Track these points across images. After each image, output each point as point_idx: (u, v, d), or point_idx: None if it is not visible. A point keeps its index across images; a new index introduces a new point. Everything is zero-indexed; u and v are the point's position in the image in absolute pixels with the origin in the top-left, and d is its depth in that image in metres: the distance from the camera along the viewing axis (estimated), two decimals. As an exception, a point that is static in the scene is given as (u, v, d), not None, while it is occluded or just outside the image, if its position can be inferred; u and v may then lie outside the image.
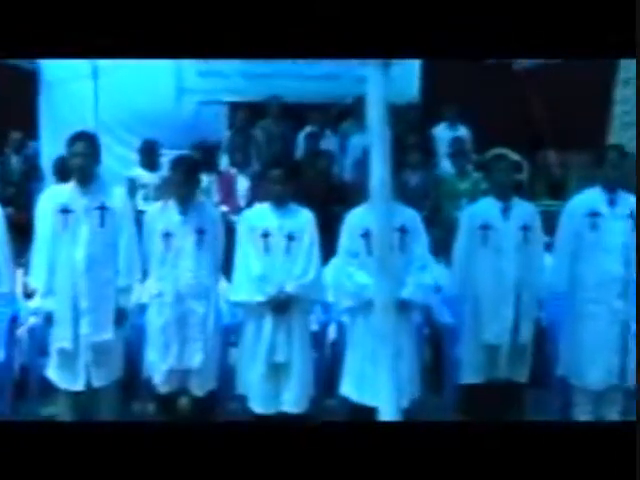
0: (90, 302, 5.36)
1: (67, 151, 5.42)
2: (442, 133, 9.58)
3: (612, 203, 5.60)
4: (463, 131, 9.50)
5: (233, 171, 8.60)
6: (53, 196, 5.50)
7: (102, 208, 5.38)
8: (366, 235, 5.09)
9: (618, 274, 5.50)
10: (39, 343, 5.86)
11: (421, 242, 5.51)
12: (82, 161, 5.33)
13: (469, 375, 5.85)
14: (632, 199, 5.60)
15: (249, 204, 6.65)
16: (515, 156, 5.93)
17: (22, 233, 6.11)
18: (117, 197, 5.52)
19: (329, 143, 9.18)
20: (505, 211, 5.78)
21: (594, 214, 5.58)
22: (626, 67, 10.67)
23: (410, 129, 9.02)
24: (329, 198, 7.39)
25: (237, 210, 7.58)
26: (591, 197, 5.68)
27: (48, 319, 5.49)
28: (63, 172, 6.83)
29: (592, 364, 5.57)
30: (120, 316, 5.49)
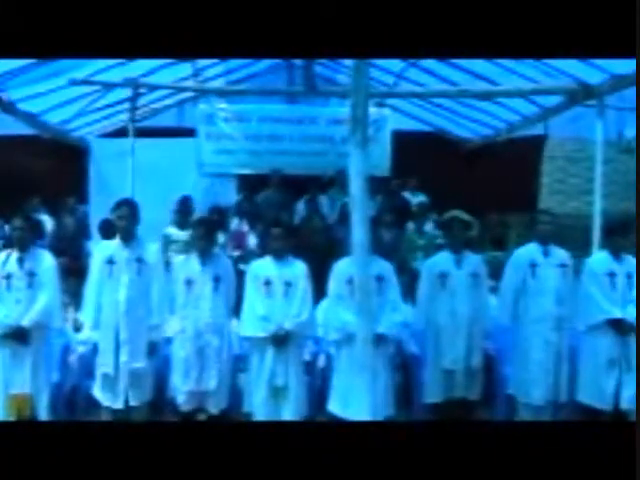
0: (128, 335, 5.26)
1: (113, 214, 5.41)
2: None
3: (546, 254, 5.58)
4: (422, 197, 9.33)
5: (245, 228, 8.42)
6: (102, 250, 5.46)
7: (139, 260, 5.33)
8: (350, 282, 4.89)
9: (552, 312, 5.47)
10: (86, 368, 5.74)
11: (393, 288, 5.41)
12: (125, 222, 5.32)
13: (432, 395, 5.70)
14: (561, 251, 5.59)
15: (256, 256, 6.47)
16: (467, 217, 5.79)
17: (73, 279, 6.09)
18: (151, 252, 5.45)
19: (323, 205, 9.02)
20: (458, 262, 5.68)
21: (533, 264, 5.55)
22: (550, 147, 10.71)
23: (386, 196, 8.92)
24: (326, 250, 7.10)
25: (246, 256, 7.47)
26: (529, 250, 5.64)
27: (94, 348, 5.46)
28: (106, 231, 6.80)
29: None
30: (152, 348, 5.37)
